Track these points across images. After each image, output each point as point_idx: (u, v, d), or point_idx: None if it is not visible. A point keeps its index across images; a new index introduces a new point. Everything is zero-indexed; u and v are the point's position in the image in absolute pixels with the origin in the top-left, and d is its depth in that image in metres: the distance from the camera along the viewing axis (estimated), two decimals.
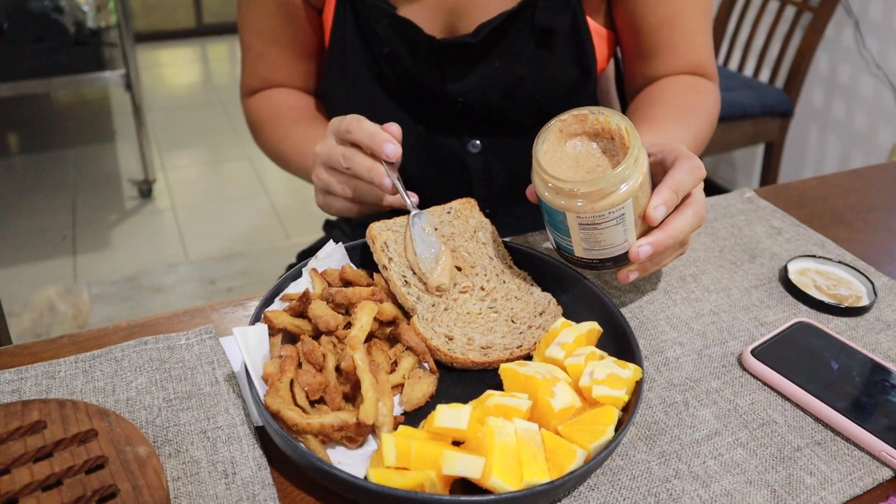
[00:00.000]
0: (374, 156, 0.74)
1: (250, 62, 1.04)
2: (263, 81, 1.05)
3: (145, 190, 2.96)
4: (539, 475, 0.53)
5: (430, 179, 1.05)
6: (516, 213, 1.08)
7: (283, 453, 0.58)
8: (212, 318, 0.73)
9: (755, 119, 2.30)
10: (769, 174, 2.41)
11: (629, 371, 0.60)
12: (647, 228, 0.68)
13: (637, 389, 0.60)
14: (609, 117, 0.67)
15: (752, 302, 0.78)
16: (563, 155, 0.69)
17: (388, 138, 0.73)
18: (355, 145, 0.75)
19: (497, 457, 0.52)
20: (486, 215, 1.07)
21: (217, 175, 3.23)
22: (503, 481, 0.51)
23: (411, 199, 0.74)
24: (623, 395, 0.58)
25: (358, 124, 0.74)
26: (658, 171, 0.71)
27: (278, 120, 1.01)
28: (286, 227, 2.82)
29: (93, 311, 2.28)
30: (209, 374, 0.66)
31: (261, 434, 0.60)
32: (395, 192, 0.73)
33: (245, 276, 2.48)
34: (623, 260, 0.69)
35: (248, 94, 1.07)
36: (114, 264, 2.53)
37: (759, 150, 2.60)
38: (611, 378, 0.59)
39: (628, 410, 0.59)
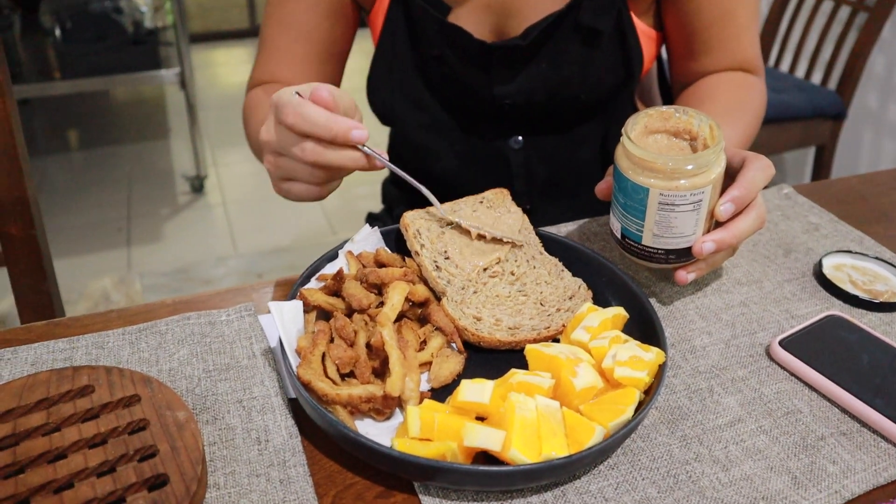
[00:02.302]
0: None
1: (265, 57, 1.00)
2: (271, 76, 1.00)
3: (197, 185, 3.04)
4: (557, 449, 0.54)
5: (470, 175, 1.07)
6: (555, 209, 1.09)
7: (313, 423, 0.61)
8: (252, 298, 0.76)
9: (806, 121, 2.26)
10: (819, 177, 2.37)
11: (652, 354, 0.61)
12: (710, 227, 0.71)
13: (659, 372, 0.61)
14: (692, 117, 0.71)
15: (783, 295, 0.78)
16: (646, 145, 0.72)
17: (349, 125, 0.66)
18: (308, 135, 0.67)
19: (517, 430, 0.54)
20: (526, 211, 1.09)
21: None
22: (522, 454, 0.53)
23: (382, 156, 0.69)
24: (644, 377, 0.59)
25: (303, 118, 0.65)
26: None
27: (261, 108, 0.94)
28: (332, 223, 2.87)
29: (145, 300, 2.35)
30: (247, 348, 0.69)
31: (293, 405, 0.63)
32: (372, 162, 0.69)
33: (291, 270, 2.53)
34: (686, 256, 0.71)
35: (250, 88, 1.02)
36: (166, 256, 2.61)
37: (810, 152, 2.56)
38: (633, 360, 0.60)
39: (650, 393, 0.60)
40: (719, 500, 0.57)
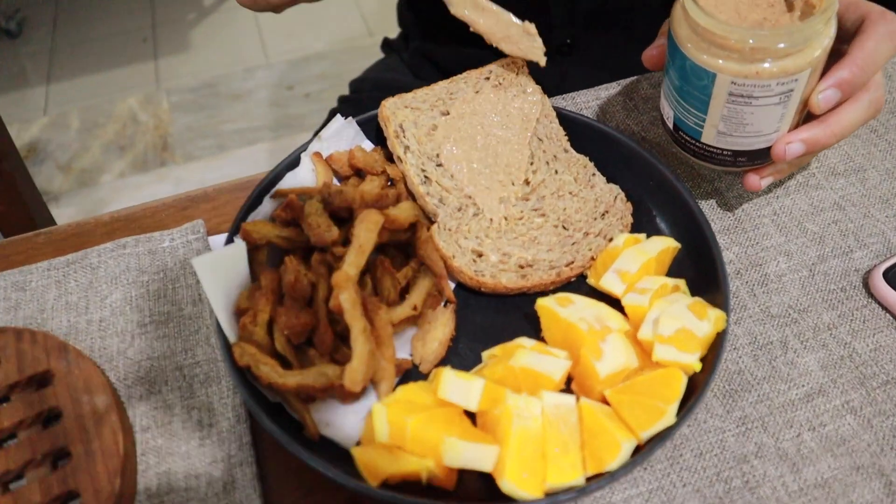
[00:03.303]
0: None
1: None
2: None
3: None
4: (568, 474, 0.40)
5: (500, 2, 0.85)
6: (602, 44, 0.88)
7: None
8: (204, 210, 0.61)
9: None
10: None
11: (707, 324, 0.45)
12: (800, 120, 0.51)
13: (717, 344, 0.45)
14: None
15: (893, 190, 0.59)
16: (720, 3, 0.50)
17: None
18: None
19: (513, 450, 0.40)
20: (566, 47, 0.87)
21: None
22: (518, 487, 0.39)
23: None
24: (695, 363, 0.44)
25: None
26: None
27: None
28: (370, 25, 2.60)
29: (173, 120, 2.22)
30: (192, 288, 0.55)
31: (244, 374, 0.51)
32: None
33: (324, 80, 2.34)
34: (762, 157, 0.52)
35: None
36: (194, 67, 2.43)
37: None
38: (681, 335, 0.44)
39: (702, 374, 0.44)
40: None
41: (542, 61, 0.57)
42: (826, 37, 0.46)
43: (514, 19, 0.57)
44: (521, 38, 0.57)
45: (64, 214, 1.95)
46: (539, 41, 0.57)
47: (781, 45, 0.45)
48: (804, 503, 0.44)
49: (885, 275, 0.52)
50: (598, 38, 0.89)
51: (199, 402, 0.50)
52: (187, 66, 2.46)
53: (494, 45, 0.58)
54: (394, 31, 1.11)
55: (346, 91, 1.06)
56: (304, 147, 0.57)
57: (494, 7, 0.57)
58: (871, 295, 0.53)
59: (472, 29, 0.58)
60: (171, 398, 0.50)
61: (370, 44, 2.53)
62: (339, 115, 0.58)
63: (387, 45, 1.12)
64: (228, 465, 0.47)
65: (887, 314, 0.52)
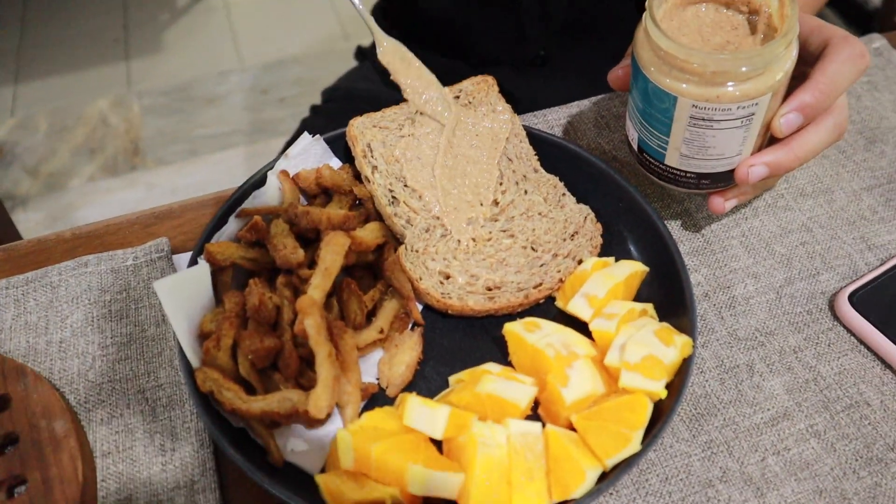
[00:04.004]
0: None
1: None
2: None
3: None
4: (533, 501, 0.40)
5: (474, 15, 0.86)
6: (575, 55, 0.88)
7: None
8: (169, 227, 0.60)
9: None
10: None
11: (674, 350, 0.45)
12: (764, 142, 0.51)
13: (683, 370, 0.45)
14: None
15: (860, 212, 0.59)
16: (682, 23, 0.50)
17: None
18: None
19: (478, 478, 0.40)
20: (540, 59, 0.87)
21: None
22: None
23: None
24: (660, 390, 0.44)
25: None
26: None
27: None
28: (346, 29, 2.59)
29: (144, 124, 2.20)
30: (156, 308, 0.54)
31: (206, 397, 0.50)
32: None
33: (298, 85, 2.32)
34: (725, 179, 0.52)
35: None
36: (166, 69, 2.40)
37: None
38: (647, 362, 0.44)
39: (669, 398, 0.44)
40: None
41: (448, 125, 0.57)
42: (787, 60, 0.47)
43: (436, 82, 0.58)
44: (436, 101, 0.57)
45: (31, 219, 1.91)
46: (453, 111, 0.57)
47: (743, 69, 0.45)
48: None
49: (850, 298, 0.52)
50: (571, 51, 0.89)
51: (162, 427, 0.49)
52: (160, 68, 2.43)
53: (406, 98, 0.58)
54: (369, 36, 1.11)
55: (319, 97, 1.06)
56: (270, 165, 0.56)
57: (419, 65, 0.59)
58: (836, 318, 0.53)
59: (391, 78, 0.59)
60: (132, 422, 0.49)
61: (346, 48, 2.51)
62: (306, 133, 0.57)
63: (360, 53, 1.12)
64: (191, 491, 0.46)
65: (852, 337, 0.52)
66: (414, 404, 0.42)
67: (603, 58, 0.84)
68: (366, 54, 1.10)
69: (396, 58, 0.59)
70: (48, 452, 0.45)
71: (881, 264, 0.55)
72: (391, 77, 0.59)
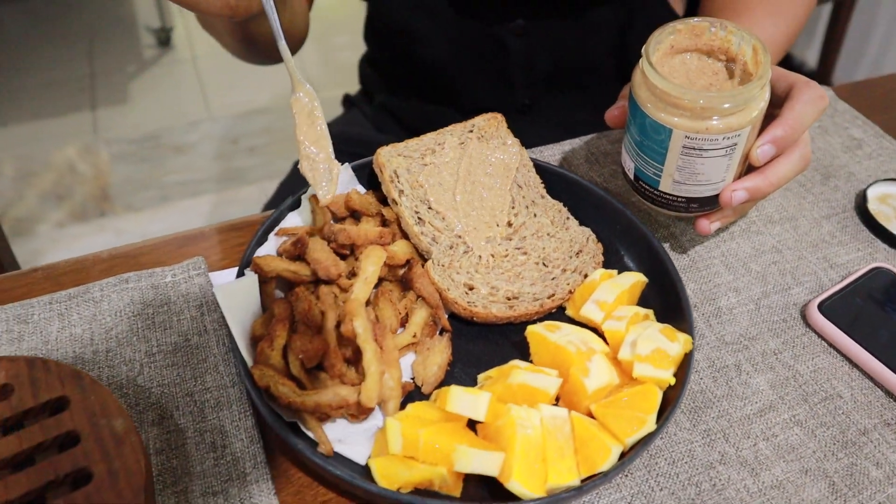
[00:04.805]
0: None
1: None
2: None
3: (163, 38, 2.80)
4: (566, 476, 0.46)
5: (464, 66, 0.92)
6: (559, 104, 0.96)
7: None
8: (202, 248, 0.65)
9: None
10: (833, 38, 2.16)
11: (678, 345, 0.51)
12: (743, 170, 0.59)
13: (685, 363, 0.52)
14: (731, 34, 0.58)
15: (821, 237, 0.68)
16: (672, 68, 0.59)
17: None
18: None
19: (518, 455, 0.45)
20: (525, 107, 0.95)
21: None
22: (524, 486, 0.44)
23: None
24: (669, 377, 0.50)
25: None
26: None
27: None
28: (310, 78, 2.67)
29: (113, 171, 2.21)
30: (197, 320, 0.58)
31: (253, 398, 0.54)
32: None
33: (268, 134, 2.37)
34: (710, 203, 0.59)
35: None
36: (134, 119, 2.43)
37: (825, 9, 2.33)
38: (656, 354, 0.50)
39: (675, 388, 0.51)
40: None
41: (323, 201, 0.59)
42: (762, 100, 0.55)
43: (330, 151, 0.60)
44: (322, 172, 0.59)
45: None
46: (334, 186, 0.59)
47: (726, 105, 0.53)
48: (763, 502, 0.50)
49: (820, 307, 0.60)
50: (553, 100, 0.97)
51: (211, 426, 0.53)
52: (127, 117, 2.46)
53: (298, 150, 0.59)
54: (334, 88, 1.16)
55: (294, 144, 1.10)
56: (304, 190, 0.62)
57: (323, 127, 0.60)
58: (808, 325, 0.60)
59: (294, 129, 0.60)
60: (183, 422, 0.53)
61: None
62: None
63: (347, 100, 1.18)
64: (244, 482, 0.50)
65: (822, 341, 0.59)
66: (457, 392, 0.47)
67: (582, 109, 0.92)
68: (353, 102, 1.16)
69: (304, 111, 0.60)
70: (110, 447, 0.49)
71: (842, 279, 0.63)
72: (294, 129, 0.60)
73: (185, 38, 2.86)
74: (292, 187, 1.01)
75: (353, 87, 1.15)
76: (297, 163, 1.06)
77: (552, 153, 0.74)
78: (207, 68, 2.71)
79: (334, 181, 0.60)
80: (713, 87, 0.58)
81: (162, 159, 2.27)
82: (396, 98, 1.04)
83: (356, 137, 1.05)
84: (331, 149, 0.61)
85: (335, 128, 1.12)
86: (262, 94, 2.57)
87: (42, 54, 2.72)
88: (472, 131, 0.64)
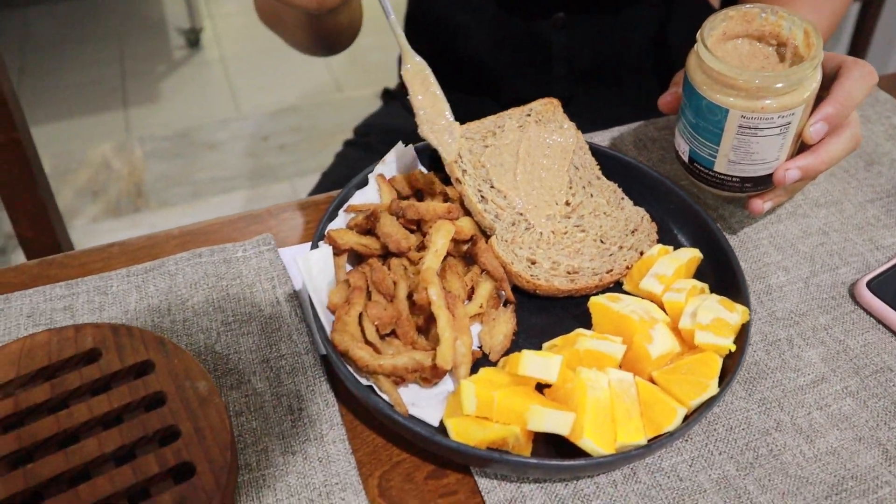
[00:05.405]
0: None
1: None
2: None
3: (193, 39, 2.84)
4: (634, 435, 0.48)
5: (504, 58, 0.95)
6: (598, 99, 0.98)
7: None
8: (269, 225, 0.68)
9: None
10: (861, 37, 2.16)
11: (736, 315, 0.53)
12: (795, 150, 0.61)
13: (743, 334, 0.54)
14: (781, 19, 0.60)
15: (866, 220, 0.70)
16: (725, 53, 0.61)
17: None
18: None
19: (589, 415, 0.47)
20: (565, 100, 0.97)
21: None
22: (595, 444, 0.47)
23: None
24: (730, 344, 0.52)
25: None
26: None
27: None
28: (338, 79, 2.71)
29: (147, 167, 2.26)
30: (269, 292, 0.61)
31: (326, 364, 0.57)
32: None
33: (298, 132, 2.41)
34: (764, 183, 0.62)
35: None
36: (165, 118, 2.48)
37: (853, 8, 2.34)
38: (716, 323, 0.52)
39: (733, 358, 0.53)
40: (804, 478, 0.51)
41: (450, 158, 0.62)
42: (814, 80, 0.57)
43: (448, 113, 0.63)
44: (442, 130, 0.62)
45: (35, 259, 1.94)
46: (457, 145, 0.62)
47: (779, 85, 0.55)
48: (819, 467, 0.52)
49: (869, 285, 0.62)
50: (593, 95, 0.99)
51: (288, 390, 0.55)
52: (158, 116, 2.51)
53: (416, 121, 0.62)
54: (363, 87, 1.19)
55: (323, 142, 1.12)
56: (370, 169, 0.64)
57: (438, 92, 0.63)
58: (856, 302, 0.62)
59: (407, 97, 0.63)
60: (260, 387, 0.55)
61: (339, 98, 2.62)
62: (399, 143, 0.66)
63: (387, 93, 1.20)
64: (322, 442, 0.52)
65: (870, 318, 0.61)
66: (529, 356, 0.50)
67: (620, 105, 0.94)
68: (393, 95, 1.18)
69: (417, 79, 0.63)
70: (195, 407, 0.51)
71: (889, 260, 0.64)
72: (407, 97, 0.63)
73: (214, 40, 2.91)
74: (334, 177, 1.04)
75: (380, 86, 1.17)
76: (338, 153, 1.10)
77: (601, 139, 0.76)
78: (236, 69, 2.75)
79: (456, 140, 0.62)
80: (765, 69, 0.60)
81: (194, 156, 2.31)
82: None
83: (399, 129, 1.07)
84: (448, 111, 0.63)
85: (376, 120, 1.14)
86: (291, 93, 2.61)
87: (74, 56, 2.78)
88: (529, 115, 0.67)
